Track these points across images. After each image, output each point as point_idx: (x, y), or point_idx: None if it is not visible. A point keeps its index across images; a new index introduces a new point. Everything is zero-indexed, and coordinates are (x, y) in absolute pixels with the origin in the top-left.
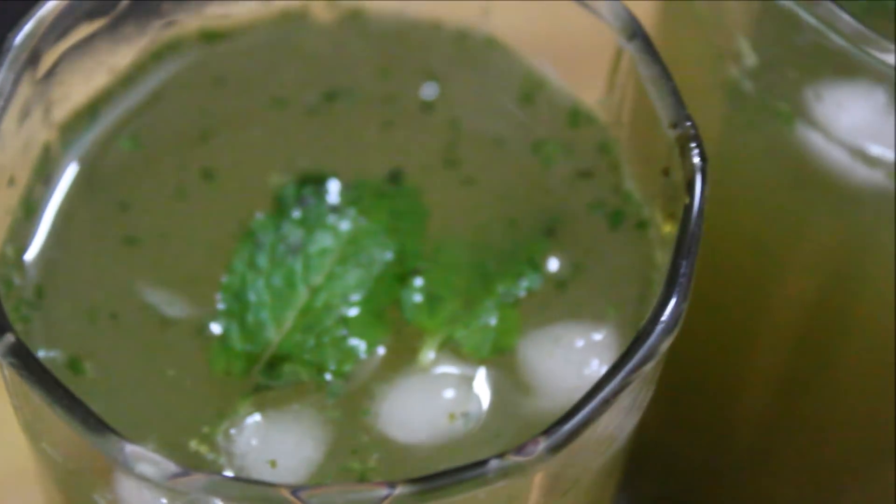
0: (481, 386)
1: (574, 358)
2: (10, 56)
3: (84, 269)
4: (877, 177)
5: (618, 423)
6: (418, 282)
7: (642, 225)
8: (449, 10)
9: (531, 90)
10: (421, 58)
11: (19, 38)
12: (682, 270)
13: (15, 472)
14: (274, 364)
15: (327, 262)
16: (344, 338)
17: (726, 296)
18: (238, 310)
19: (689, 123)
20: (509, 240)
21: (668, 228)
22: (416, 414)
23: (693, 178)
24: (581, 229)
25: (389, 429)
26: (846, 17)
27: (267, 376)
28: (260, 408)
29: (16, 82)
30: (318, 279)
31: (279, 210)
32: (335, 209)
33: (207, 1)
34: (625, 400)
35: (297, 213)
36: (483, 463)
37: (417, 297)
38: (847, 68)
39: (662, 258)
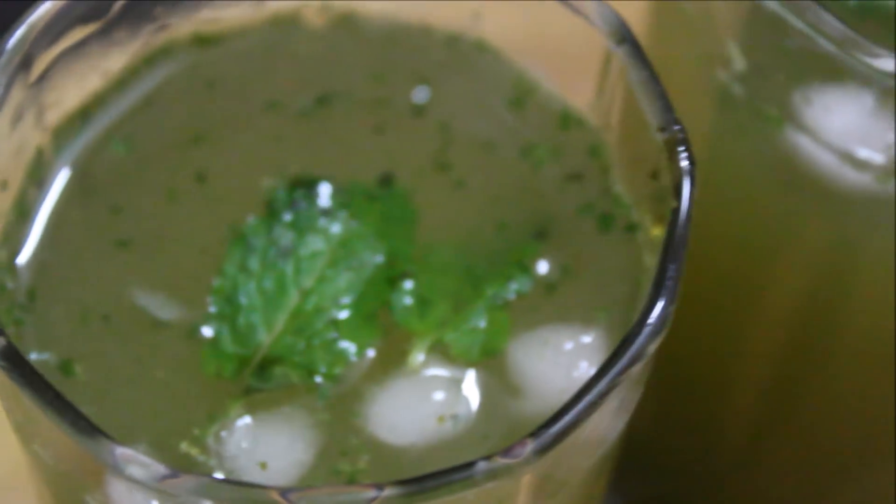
0: (470, 388)
1: (563, 360)
2: (2, 60)
3: (76, 272)
4: (865, 180)
5: (606, 425)
6: (408, 285)
7: (631, 228)
8: (440, 15)
9: (522, 94)
10: (412, 62)
11: (11, 42)
12: (670, 273)
13: (7, 474)
14: (265, 366)
15: (318, 265)
16: (334, 340)
17: (717, 297)
18: (229, 312)
19: (677, 127)
20: (499, 243)
21: (657, 231)
22: (406, 416)
23: (681, 181)
24: (571, 232)
25: (379, 431)
26: (834, 21)
27: (258, 379)
28: (250, 410)
29: (8, 86)
30: (308, 282)
31: (270, 213)
32: (326, 212)
33: (200, 4)
34: (613, 402)
35: (288, 217)
36: (471, 465)
37: (407, 300)
38: (835, 72)
39: (651, 261)
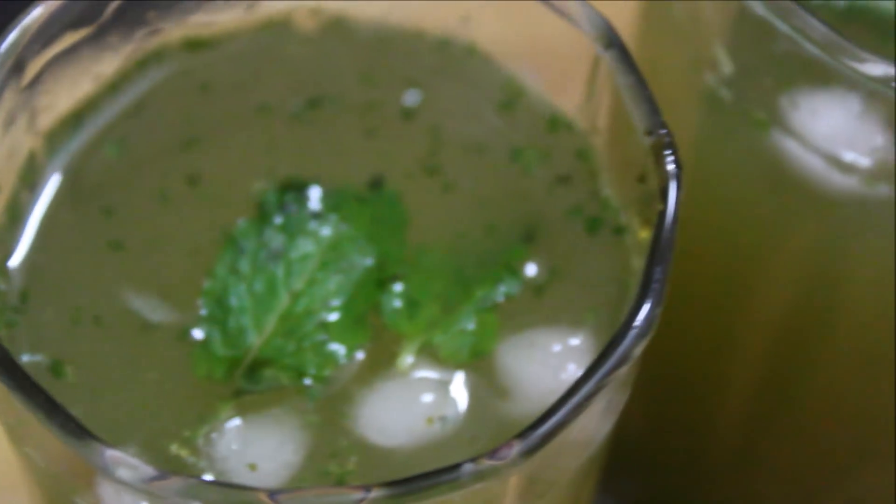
0: (459, 390)
1: (551, 362)
2: None
3: (68, 275)
4: (852, 183)
5: (593, 427)
6: (398, 287)
7: (619, 231)
8: (430, 19)
9: (511, 97)
10: (403, 65)
11: (4, 46)
12: (656, 276)
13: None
14: (255, 368)
15: (308, 267)
16: (324, 342)
17: (707, 299)
18: (220, 315)
19: (663, 131)
20: (488, 245)
21: (644, 234)
22: (395, 418)
23: (667, 185)
24: (559, 235)
25: (368, 432)
26: (820, 25)
27: (248, 381)
28: (240, 412)
29: (0, 90)
30: (299, 285)
31: (261, 216)
32: (316, 215)
33: (192, 8)
34: (599, 403)
35: (278, 220)
36: (457, 466)
37: (397, 303)
38: (822, 76)
39: (639, 263)
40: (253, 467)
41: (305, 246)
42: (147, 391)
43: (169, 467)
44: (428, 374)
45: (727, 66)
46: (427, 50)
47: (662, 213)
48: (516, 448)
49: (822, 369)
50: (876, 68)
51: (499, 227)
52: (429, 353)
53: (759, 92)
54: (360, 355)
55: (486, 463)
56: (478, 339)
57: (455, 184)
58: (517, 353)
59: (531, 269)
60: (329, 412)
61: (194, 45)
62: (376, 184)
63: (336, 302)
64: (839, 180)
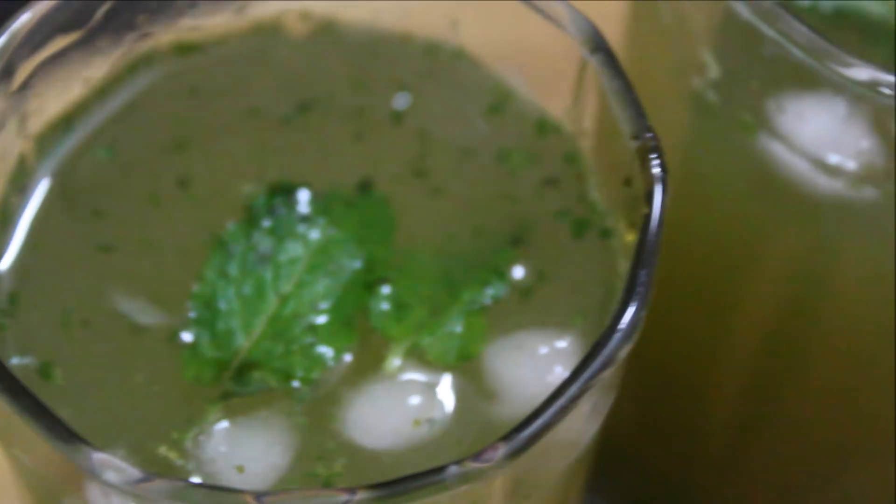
0: (446, 392)
1: (538, 365)
2: None
3: (58, 277)
4: (838, 186)
5: (578, 429)
6: (386, 290)
7: (606, 234)
8: (419, 23)
9: (499, 101)
10: (392, 70)
11: None
12: (641, 279)
13: None
14: (243, 371)
15: (296, 270)
16: (312, 345)
17: (695, 301)
18: (208, 318)
19: (649, 135)
20: (476, 248)
21: (630, 237)
22: (382, 420)
23: (653, 188)
24: (546, 238)
25: (355, 435)
26: (806, 30)
27: (236, 383)
28: (229, 414)
29: None
30: (287, 287)
31: (250, 219)
32: (305, 219)
33: (182, 12)
34: (585, 406)
35: (267, 223)
36: (442, 469)
37: (384, 305)
38: (808, 80)
39: (625, 266)
40: (241, 469)
41: (294, 249)
42: (136, 393)
43: (157, 469)
44: (415, 376)
45: (714, 70)
46: (416, 54)
47: (648, 217)
48: (501, 450)
49: (810, 370)
50: (861, 73)
51: (487, 229)
52: (416, 356)
53: (745, 95)
54: (347, 358)
55: (471, 465)
56: (465, 342)
57: (443, 187)
58: (504, 356)
59: (518, 272)
60: (317, 414)
61: (184, 49)
62: (365, 187)
63: (324, 305)
64: (825, 183)
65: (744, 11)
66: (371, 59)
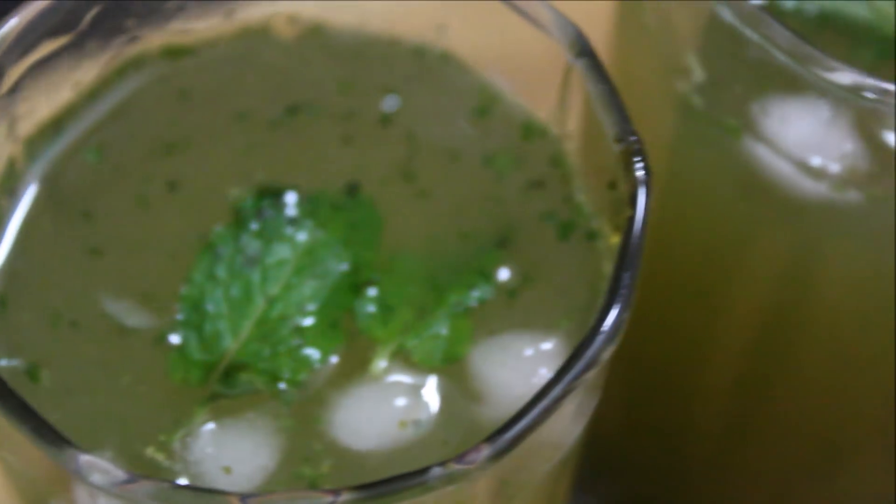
0: (432, 394)
1: (523, 366)
2: None
3: (47, 279)
4: (822, 189)
5: (563, 430)
6: (372, 292)
7: (591, 236)
8: (407, 27)
9: (486, 104)
10: (380, 73)
11: None
12: (625, 281)
13: None
14: (230, 373)
15: (284, 273)
16: (299, 347)
17: (682, 304)
18: (196, 320)
19: (633, 138)
20: (462, 251)
21: (615, 240)
22: (368, 421)
23: (636, 191)
24: (532, 241)
25: (342, 436)
26: (789, 34)
27: (223, 385)
28: (216, 416)
29: None
30: (274, 290)
31: (238, 222)
32: (293, 221)
33: (171, 16)
34: (568, 407)
35: (255, 226)
36: (425, 470)
37: (371, 308)
38: (792, 83)
39: (610, 269)
40: (227, 470)
41: (281, 251)
42: (123, 395)
43: (145, 471)
44: (401, 378)
45: (699, 74)
46: (403, 58)
47: (631, 219)
48: (485, 452)
49: (797, 370)
50: (844, 77)
51: (473, 232)
52: (402, 358)
53: (730, 99)
54: (334, 360)
55: (455, 467)
56: (451, 344)
57: (430, 189)
58: (490, 358)
59: (504, 274)
60: (303, 416)
61: (173, 53)
62: (352, 190)
63: (311, 307)
64: (809, 186)
65: (728, 15)
66: (359, 62)
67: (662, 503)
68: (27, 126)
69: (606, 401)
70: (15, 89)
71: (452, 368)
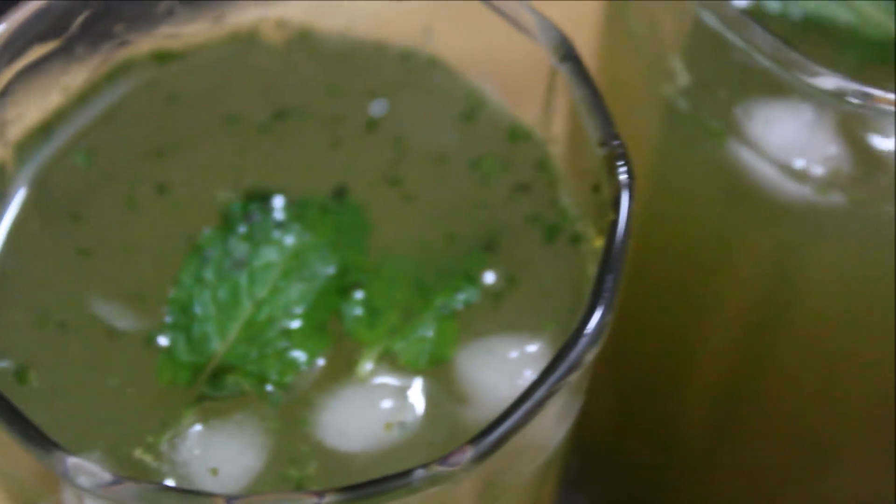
0: (418, 396)
1: (508, 368)
2: None
3: (36, 281)
4: (805, 191)
5: (547, 431)
6: (359, 295)
7: (576, 239)
8: (393, 32)
9: (472, 108)
10: (367, 78)
11: None
12: (607, 284)
13: None
14: (218, 375)
15: (271, 276)
16: (286, 349)
17: (668, 305)
18: (184, 322)
19: (616, 142)
20: (449, 254)
21: (599, 243)
22: (354, 423)
23: (619, 195)
24: (518, 243)
25: (328, 438)
26: (772, 39)
27: (211, 387)
28: (203, 418)
29: None
30: (262, 293)
31: (226, 225)
32: (280, 225)
33: (159, 21)
34: (552, 409)
35: (243, 229)
36: (408, 472)
37: (357, 311)
38: (775, 87)
39: (594, 271)
40: (214, 472)
41: (269, 255)
42: (111, 397)
43: (132, 472)
44: (387, 380)
45: (683, 78)
46: (390, 62)
47: (614, 223)
48: (469, 454)
49: (781, 371)
50: (827, 81)
51: (459, 235)
52: (388, 360)
53: (714, 103)
54: (320, 362)
55: (438, 469)
56: (437, 346)
57: (417, 193)
58: (475, 360)
59: (490, 277)
60: (290, 418)
61: (162, 57)
62: (340, 193)
63: (298, 309)
64: (793, 188)
65: (712, 20)
66: (346, 67)
67: (651, 500)
68: (17, 130)
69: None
70: (4, 94)
71: (438, 371)
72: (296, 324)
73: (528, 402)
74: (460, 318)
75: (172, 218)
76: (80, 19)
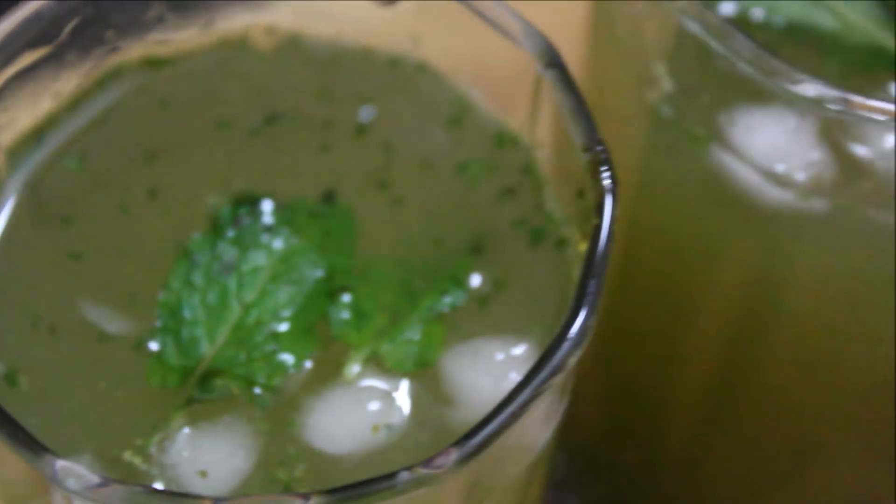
0: (404, 398)
1: (494, 371)
2: None
3: (26, 284)
4: (788, 197)
5: (532, 433)
6: (346, 298)
7: (561, 243)
8: (381, 38)
9: (459, 114)
10: (356, 83)
11: None
12: (590, 288)
13: None
14: (207, 378)
15: (260, 279)
16: (274, 352)
17: (654, 309)
18: (174, 326)
19: (600, 148)
20: (436, 257)
21: (584, 247)
22: (342, 426)
23: (603, 199)
24: (504, 248)
25: (316, 440)
26: (754, 46)
27: (200, 390)
28: (192, 420)
29: None
30: (250, 296)
31: (215, 229)
32: (269, 229)
33: (150, 27)
34: (536, 411)
35: (232, 233)
36: (393, 475)
37: (345, 314)
38: (758, 94)
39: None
40: (203, 474)
41: (257, 258)
42: (101, 400)
43: (122, 474)
44: (374, 382)
45: (668, 85)
46: (379, 68)
47: (598, 228)
48: (453, 456)
49: (766, 374)
50: (809, 89)
51: (446, 239)
52: (375, 363)
53: (698, 109)
54: (308, 365)
55: (422, 471)
56: (423, 349)
57: (405, 197)
58: (461, 363)
59: (477, 281)
60: (278, 420)
61: (153, 63)
62: (329, 197)
63: (286, 313)
64: (776, 194)
65: (695, 28)
66: (335, 72)
67: (641, 500)
68: (8, 136)
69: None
70: None
71: (425, 373)
72: (284, 327)
73: (512, 404)
74: (447, 320)
75: (163, 222)
76: (70, 26)
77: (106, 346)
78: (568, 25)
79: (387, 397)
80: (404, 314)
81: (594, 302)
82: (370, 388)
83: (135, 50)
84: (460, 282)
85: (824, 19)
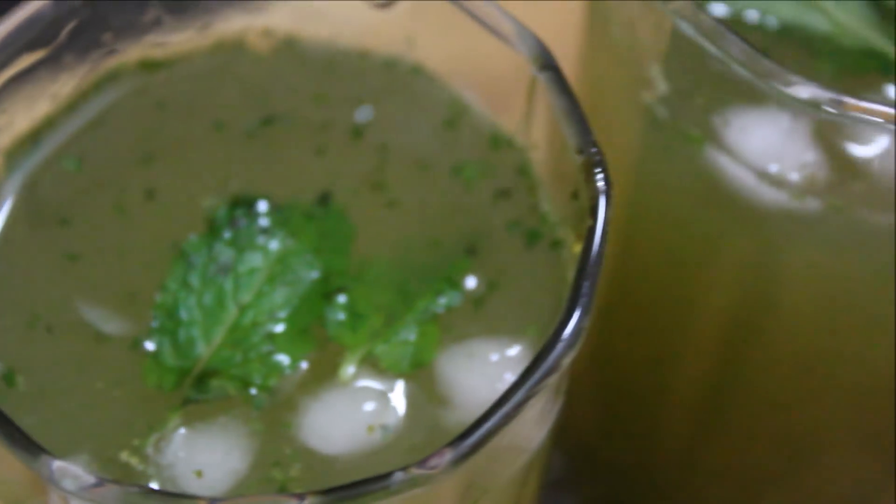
0: (399, 399)
1: (488, 372)
2: None
3: (23, 284)
4: (782, 198)
5: (527, 434)
6: (342, 299)
7: (556, 245)
8: (377, 40)
9: (454, 116)
10: (352, 85)
11: None
12: (584, 290)
13: None
14: (203, 378)
15: (256, 281)
16: (270, 353)
17: (649, 310)
18: (170, 326)
19: (594, 150)
20: (431, 259)
21: (578, 248)
22: (337, 426)
23: (597, 201)
24: (499, 249)
25: (311, 440)
26: (748, 48)
27: (196, 390)
28: (188, 421)
29: None
30: (246, 298)
31: (212, 231)
32: (265, 230)
33: (147, 29)
34: (531, 412)
35: (228, 234)
36: (387, 475)
37: (340, 315)
38: (752, 95)
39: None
40: (199, 474)
41: (253, 260)
42: (98, 400)
43: (118, 475)
44: (369, 383)
45: (662, 86)
46: (375, 70)
47: (591, 229)
48: (447, 456)
49: (760, 374)
50: (803, 90)
51: (441, 240)
52: (370, 364)
53: (692, 110)
54: (304, 365)
55: (416, 471)
56: (418, 350)
57: (400, 199)
58: (456, 363)
59: (472, 282)
60: (274, 421)
61: (149, 66)
62: (324, 199)
63: (282, 314)
64: (770, 194)
65: (689, 30)
66: (332, 75)
67: (637, 500)
68: (5, 138)
69: (581, 404)
70: None
71: (420, 374)
72: (280, 328)
73: (506, 405)
74: (442, 321)
75: (160, 223)
76: (68, 28)
77: (103, 347)
78: (563, 27)
79: (382, 398)
80: (399, 315)
81: (588, 303)
82: (365, 389)
83: (132, 52)
84: (455, 283)
85: (817, 21)
